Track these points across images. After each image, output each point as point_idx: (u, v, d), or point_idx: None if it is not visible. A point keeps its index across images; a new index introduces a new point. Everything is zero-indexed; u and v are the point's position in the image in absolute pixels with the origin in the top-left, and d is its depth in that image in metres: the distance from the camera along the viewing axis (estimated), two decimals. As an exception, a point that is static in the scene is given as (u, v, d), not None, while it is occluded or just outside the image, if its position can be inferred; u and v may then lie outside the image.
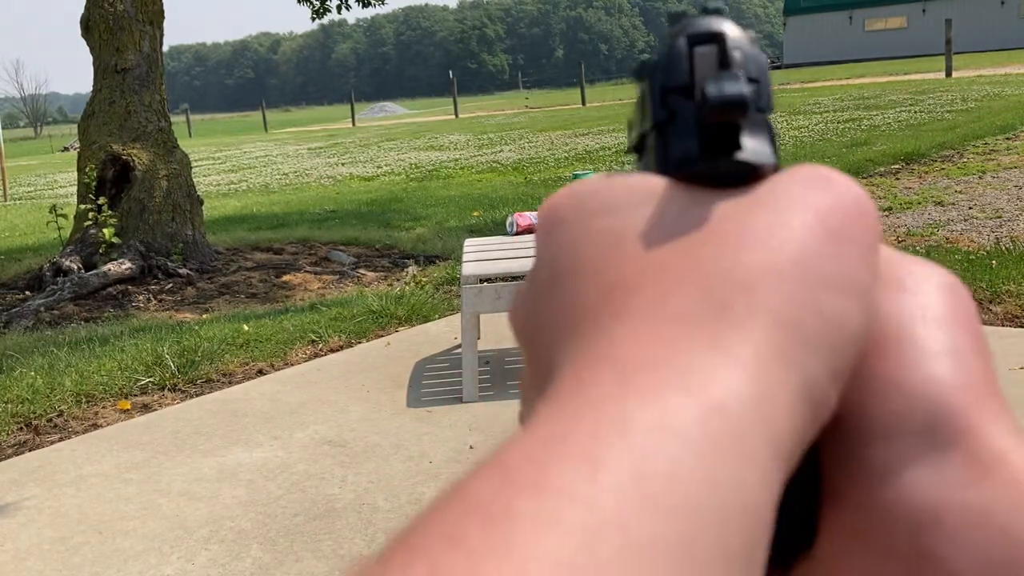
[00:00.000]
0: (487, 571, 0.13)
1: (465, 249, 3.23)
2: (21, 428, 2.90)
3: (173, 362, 3.31)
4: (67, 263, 4.84)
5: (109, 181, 5.08)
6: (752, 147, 0.20)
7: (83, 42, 5.26)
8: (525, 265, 2.95)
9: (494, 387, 2.90)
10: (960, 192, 5.62)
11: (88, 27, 5.19)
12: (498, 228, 5.19)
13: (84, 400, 3.07)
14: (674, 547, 0.14)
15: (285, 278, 4.94)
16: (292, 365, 3.36)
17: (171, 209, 5.14)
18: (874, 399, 0.19)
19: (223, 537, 2.06)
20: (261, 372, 3.30)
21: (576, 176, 3.28)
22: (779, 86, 21.48)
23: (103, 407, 3.04)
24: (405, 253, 5.38)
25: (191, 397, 3.11)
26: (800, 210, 0.19)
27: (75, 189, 5.32)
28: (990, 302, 3.25)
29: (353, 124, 26.81)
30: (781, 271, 0.18)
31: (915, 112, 10.80)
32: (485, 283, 2.97)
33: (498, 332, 3.44)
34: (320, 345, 3.53)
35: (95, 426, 2.90)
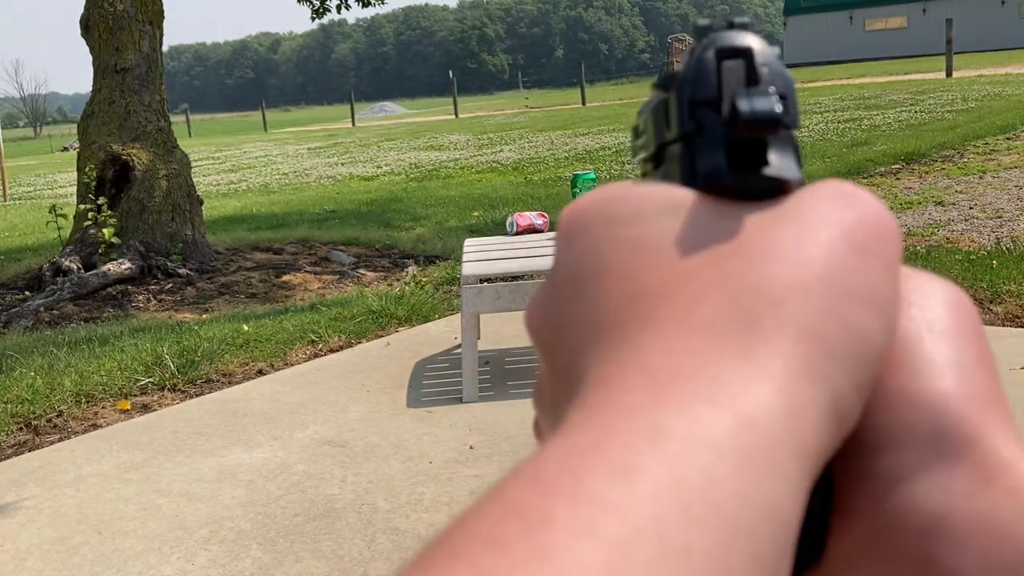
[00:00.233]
0: (527, 575, 0.14)
1: (465, 249, 3.23)
2: (21, 428, 2.90)
3: (173, 362, 3.31)
4: (67, 263, 4.84)
5: (109, 181, 5.08)
6: (778, 163, 0.21)
7: (83, 42, 5.25)
8: (525, 265, 2.94)
9: (494, 387, 2.89)
10: (961, 192, 5.62)
11: (88, 27, 5.18)
12: (498, 228, 5.19)
13: (84, 400, 3.07)
14: (707, 555, 0.15)
15: (285, 278, 4.94)
16: (292, 365, 3.36)
17: (171, 209, 5.14)
18: (882, 410, 0.20)
19: (223, 537, 2.05)
20: (261, 372, 3.30)
21: (576, 176, 3.26)
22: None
23: (103, 407, 3.04)
24: (405, 253, 5.38)
25: (191, 397, 3.11)
26: (825, 225, 0.19)
27: (75, 189, 5.32)
28: (991, 302, 3.25)
29: (353, 124, 26.80)
30: (808, 285, 0.18)
31: (915, 112, 10.80)
32: (485, 283, 2.97)
33: (498, 332, 3.43)
34: (320, 345, 3.52)
35: (95, 426, 2.89)
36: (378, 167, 11.63)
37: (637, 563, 0.14)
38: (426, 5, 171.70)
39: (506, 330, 3.46)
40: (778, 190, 0.20)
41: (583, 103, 22.94)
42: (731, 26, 0.22)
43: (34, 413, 2.97)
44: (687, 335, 0.18)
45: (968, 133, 8.21)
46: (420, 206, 7.43)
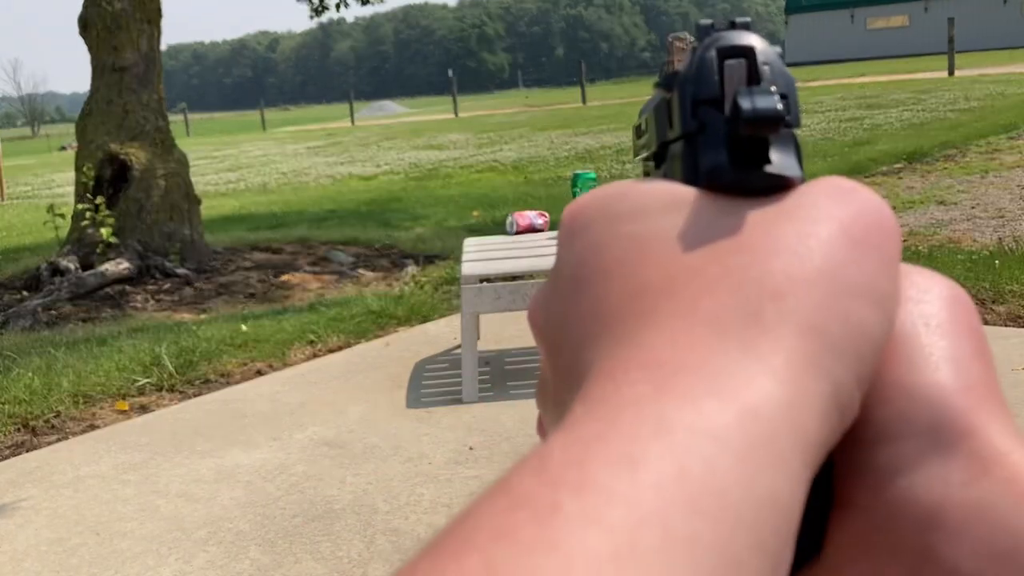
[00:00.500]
0: (536, 564, 0.14)
1: (465, 249, 3.22)
2: (18, 429, 2.89)
3: (171, 363, 3.30)
4: (64, 263, 4.82)
5: (107, 180, 5.06)
6: (780, 161, 0.21)
7: (81, 41, 5.24)
8: (525, 265, 2.93)
9: (494, 388, 2.88)
10: (963, 192, 5.61)
11: (86, 25, 5.17)
12: (498, 228, 5.17)
13: (82, 401, 3.06)
14: (711, 544, 0.15)
15: (284, 278, 4.93)
16: (291, 366, 3.34)
17: (169, 209, 5.13)
18: (879, 404, 0.20)
19: (221, 538, 2.04)
20: (260, 373, 3.29)
21: (577, 176, 3.24)
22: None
23: (101, 408, 3.03)
24: (404, 253, 5.37)
25: (189, 398, 3.09)
26: (825, 221, 0.20)
27: (72, 189, 5.30)
28: (993, 302, 3.23)
29: (352, 123, 26.79)
30: (809, 280, 0.18)
31: (917, 111, 10.79)
32: (485, 283, 2.95)
33: (498, 332, 3.42)
34: (319, 345, 3.51)
35: (93, 427, 2.88)
36: (377, 166, 11.62)
37: (642, 552, 0.14)
38: (426, 4, 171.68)
39: (506, 330, 3.44)
40: (780, 187, 0.21)
41: (583, 102, 22.92)
42: (732, 26, 0.23)
43: (32, 414, 2.95)
44: (690, 329, 0.18)
45: (970, 132, 8.20)
46: (419, 206, 7.41)
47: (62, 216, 5.15)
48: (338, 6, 8.89)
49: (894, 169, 6.83)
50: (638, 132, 0.29)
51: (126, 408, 3.02)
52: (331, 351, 3.47)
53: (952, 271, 3.56)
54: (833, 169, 6.85)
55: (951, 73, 17.35)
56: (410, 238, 5.76)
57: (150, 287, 4.72)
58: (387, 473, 2.31)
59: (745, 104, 0.21)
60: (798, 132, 0.22)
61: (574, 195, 3.17)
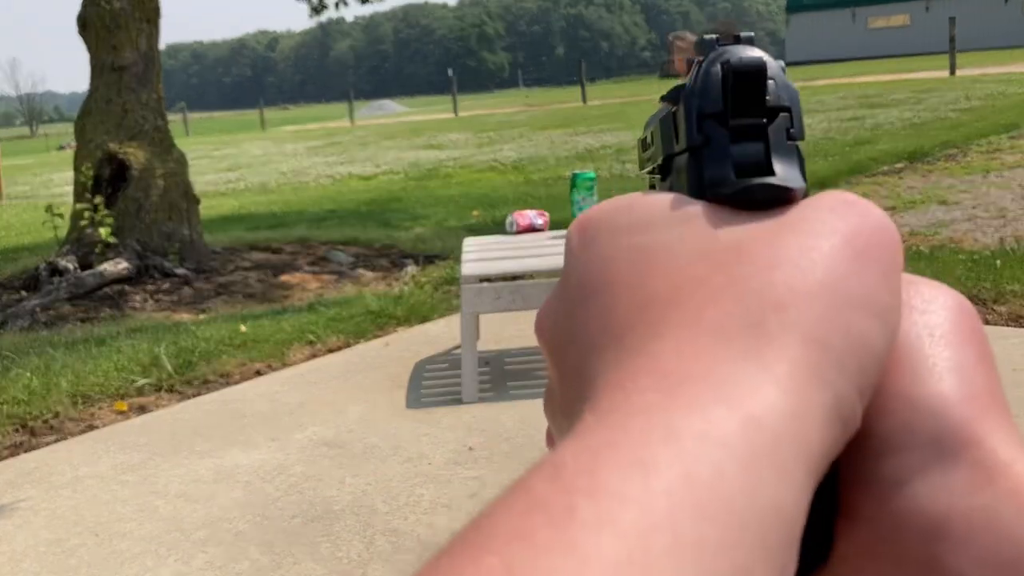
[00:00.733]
0: (553, 565, 0.14)
1: (464, 249, 3.21)
2: (17, 429, 2.88)
3: (170, 363, 3.29)
4: (63, 263, 4.81)
5: (105, 180, 5.05)
6: (783, 172, 0.22)
7: (79, 41, 5.23)
8: (525, 265, 2.92)
9: (494, 388, 2.87)
10: (964, 191, 5.60)
11: (85, 24, 5.16)
12: (498, 227, 5.16)
13: (80, 401, 3.05)
14: (718, 548, 0.15)
15: (283, 278, 4.92)
16: (290, 366, 3.34)
17: (168, 208, 5.12)
18: (884, 415, 0.20)
19: (220, 539, 2.03)
20: (259, 373, 3.28)
21: (576, 176, 3.22)
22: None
23: (99, 408, 3.02)
24: (404, 253, 5.36)
25: (188, 398, 3.09)
26: (828, 234, 0.20)
27: (71, 188, 5.29)
28: (994, 302, 3.23)
29: (352, 122, 26.78)
30: (812, 292, 0.19)
31: (919, 111, 10.78)
32: (485, 283, 2.95)
33: (498, 332, 3.41)
34: (318, 345, 3.50)
35: (91, 427, 2.87)
36: (377, 166, 11.61)
37: (654, 555, 0.15)
38: (425, 3, 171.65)
39: (506, 330, 3.43)
40: (782, 198, 0.21)
41: (583, 101, 22.91)
42: (737, 40, 0.23)
43: (30, 414, 2.95)
44: (696, 338, 0.18)
45: (971, 132, 8.19)
46: (419, 205, 7.41)
47: (61, 216, 5.14)
48: (337, 5, 8.88)
49: (895, 169, 6.83)
50: (644, 145, 0.29)
51: (125, 408, 3.01)
52: (330, 351, 3.46)
53: (953, 271, 3.55)
54: (834, 168, 6.84)
55: (952, 72, 17.33)
56: (410, 238, 5.75)
57: (149, 287, 4.72)
58: (386, 473, 2.30)
59: (734, 60, 0.22)
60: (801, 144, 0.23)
61: (572, 195, 3.16)
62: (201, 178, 11.56)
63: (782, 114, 0.22)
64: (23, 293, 4.77)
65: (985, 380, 0.21)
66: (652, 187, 0.28)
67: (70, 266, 4.79)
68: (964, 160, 6.86)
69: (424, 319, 3.77)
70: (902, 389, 0.20)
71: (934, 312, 0.22)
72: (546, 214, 3.52)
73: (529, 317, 3.42)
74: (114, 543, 2.07)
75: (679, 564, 0.15)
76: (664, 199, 0.22)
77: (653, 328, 0.19)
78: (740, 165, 0.22)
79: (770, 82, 0.22)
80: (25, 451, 2.71)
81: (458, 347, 3.17)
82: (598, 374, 0.19)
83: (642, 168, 0.30)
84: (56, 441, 2.78)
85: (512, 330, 3.43)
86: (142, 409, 3.01)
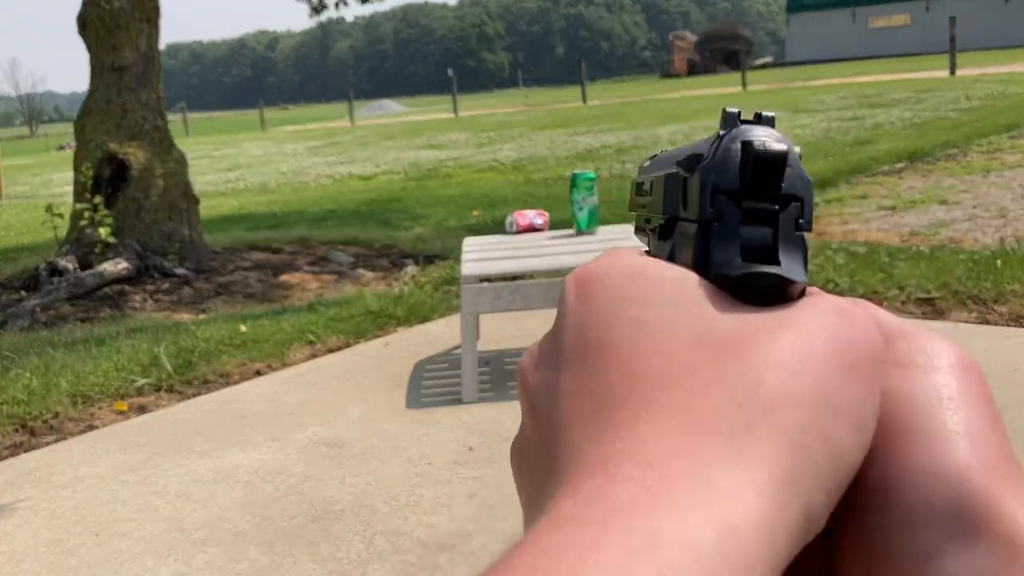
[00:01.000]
0: None
1: (464, 248, 3.21)
2: (17, 429, 2.88)
3: (170, 363, 3.29)
4: (63, 263, 4.81)
5: (105, 180, 5.05)
6: (787, 263, 0.22)
7: (79, 40, 5.23)
8: (525, 265, 2.92)
9: (494, 388, 2.87)
10: (964, 191, 5.59)
11: (85, 24, 5.15)
12: (498, 227, 5.16)
13: (80, 401, 3.05)
14: None
15: (283, 278, 4.92)
16: (290, 366, 3.34)
17: (167, 208, 5.12)
18: (902, 487, 0.20)
19: (220, 539, 2.03)
20: (259, 373, 3.28)
21: (576, 176, 3.19)
22: (782, 84, 21.45)
23: (99, 408, 3.02)
24: (404, 253, 5.36)
25: (188, 398, 3.08)
26: (822, 340, 0.20)
27: (71, 188, 5.29)
28: (995, 302, 3.22)
29: (352, 122, 26.77)
30: (800, 396, 0.19)
31: (919, 110, 10.78)
32: (485, 283, 2.94)
33: (498, 332, 3.41)
34: (318, 345, 3.50)
35: (91, 427, 2.87)
36: (377, 166, 11.61)
37: None
38: (425, 3, 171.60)
39: (506, 330, 3.43)
40: (783, 290, 0.22)
41: (583, 101, 22.91)
42: (759, 118, 0.23)
43: (30, 414, 2.95)
44: (683, 430, 0.19)
45: (972, 132, 8.18)
46: (419, 205, 7.41)
47: (60, 216, 5.14)
48: (337, 5, 8.88)
49: (895, 168, 6.82)
50: (639, 190, 0.29)
51: (125, 408, 3.01)
52: (330, 351, 3.46)
53: (954, 271, 3.55)
54: (834, 168, 6.84)
55: (952, 72, 17.32)
56: (410, 238, 5.75)
57: (149, 287, 4.71)
58: (387, 473, 2.30)
59: (757, 144, 0.22)
60: (799, 139, 0.22)
61: (572, 196, 3.16)
62: (201, 178, 11.57)
63: (794, 203, 0.23)
64: (23, 293, 4.77)
65: (998, 444, 0.21)
66: (640, 229, 0.29)
67: (70, 266, 4.79)
68: (964, 160, 6.85)
69: (424, 319, 3.77)
70: (917, 460, 0.20)
71: (940, 371, 0.22)
72: (546, 214, 3.52)
73: (529, 317, 3.42)
74: (114, 543, 2.07)
75: None
76: (668, 275, 0.22)
77: (643, 410, 0.19)
78: (747, 248, 0.22)
79: (787, 169, 0.23)
80: (25, 451, 2.71)
81: (458, 347, 3.16)
82: (578, 444, 0.20)
83: (631, 209, 0.30)
84: (56, 441, 2.78)
85: (512, 330, 3.43)
86: (142, 409, 3.01)
